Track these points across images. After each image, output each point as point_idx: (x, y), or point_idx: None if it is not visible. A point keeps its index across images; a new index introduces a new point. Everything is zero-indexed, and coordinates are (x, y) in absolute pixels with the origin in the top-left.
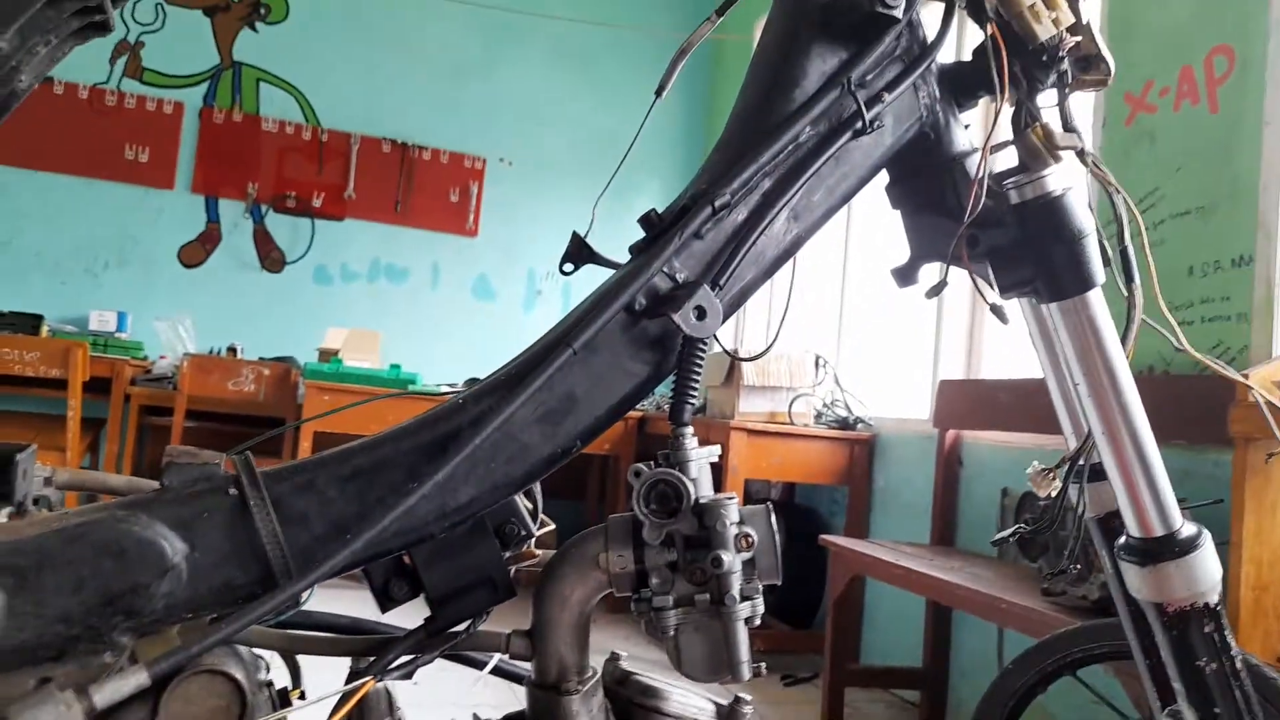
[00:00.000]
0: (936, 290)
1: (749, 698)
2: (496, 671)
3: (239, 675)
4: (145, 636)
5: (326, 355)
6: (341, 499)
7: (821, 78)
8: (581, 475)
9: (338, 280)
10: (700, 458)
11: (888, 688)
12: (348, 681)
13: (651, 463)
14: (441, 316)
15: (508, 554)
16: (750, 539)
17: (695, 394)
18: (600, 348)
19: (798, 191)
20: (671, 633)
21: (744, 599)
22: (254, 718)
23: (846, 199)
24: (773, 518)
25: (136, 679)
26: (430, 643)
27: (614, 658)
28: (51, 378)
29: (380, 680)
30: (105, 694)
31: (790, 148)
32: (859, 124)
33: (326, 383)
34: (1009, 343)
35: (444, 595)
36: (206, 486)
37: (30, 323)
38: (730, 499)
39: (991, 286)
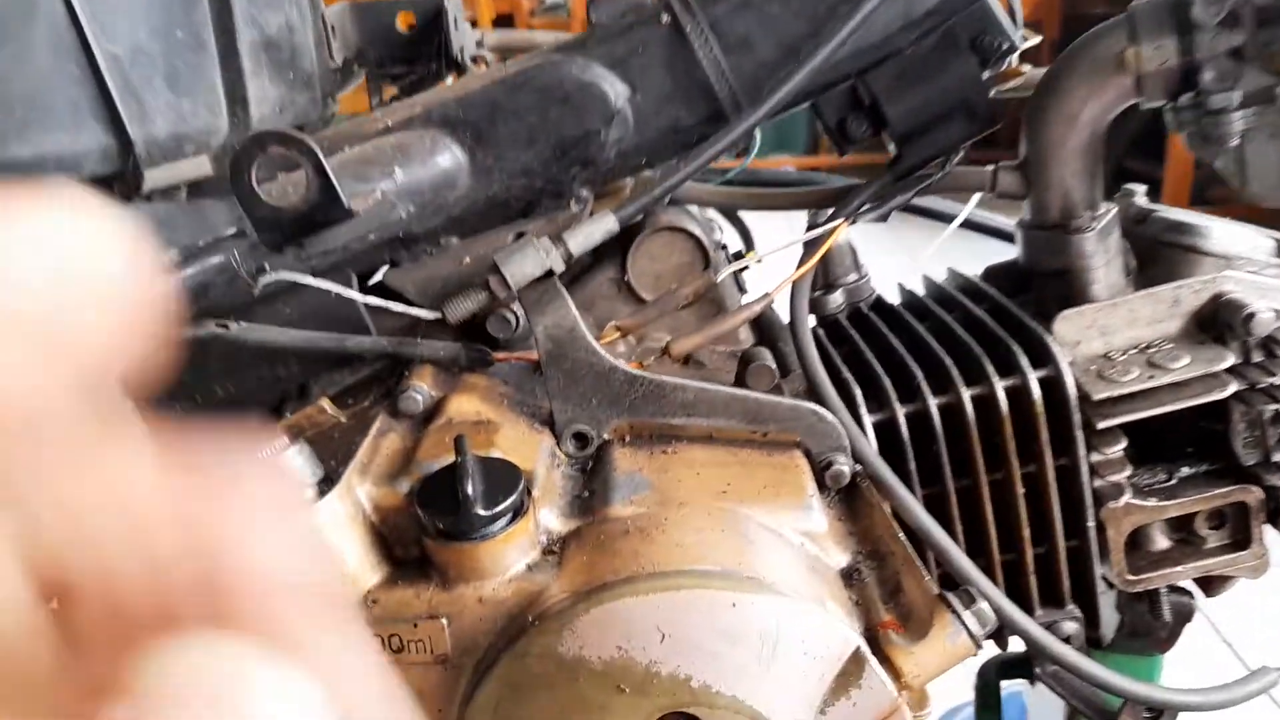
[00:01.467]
0: None
1: None
2: (970, 224)
3: (698, 232)
4: (601, 195)
5: None
6: (786, 14)
7: None
8: None
9: None
10: None
11: None
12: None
13: None
14: None
15: (986, 73)
16: None
17: None
18: None
19: None
20: (1235, 140)
21: None
22: (715, 272)
23: None
24: None
25: (605, 224)
26: (898, 187)
27: (1127, 193)
28: None
29: (850, 223)
30: (578, 239)
31: None
32: None
33: None
34: None
35: (911, 128)
36: (637, 17)
37: None
38: None
39: None
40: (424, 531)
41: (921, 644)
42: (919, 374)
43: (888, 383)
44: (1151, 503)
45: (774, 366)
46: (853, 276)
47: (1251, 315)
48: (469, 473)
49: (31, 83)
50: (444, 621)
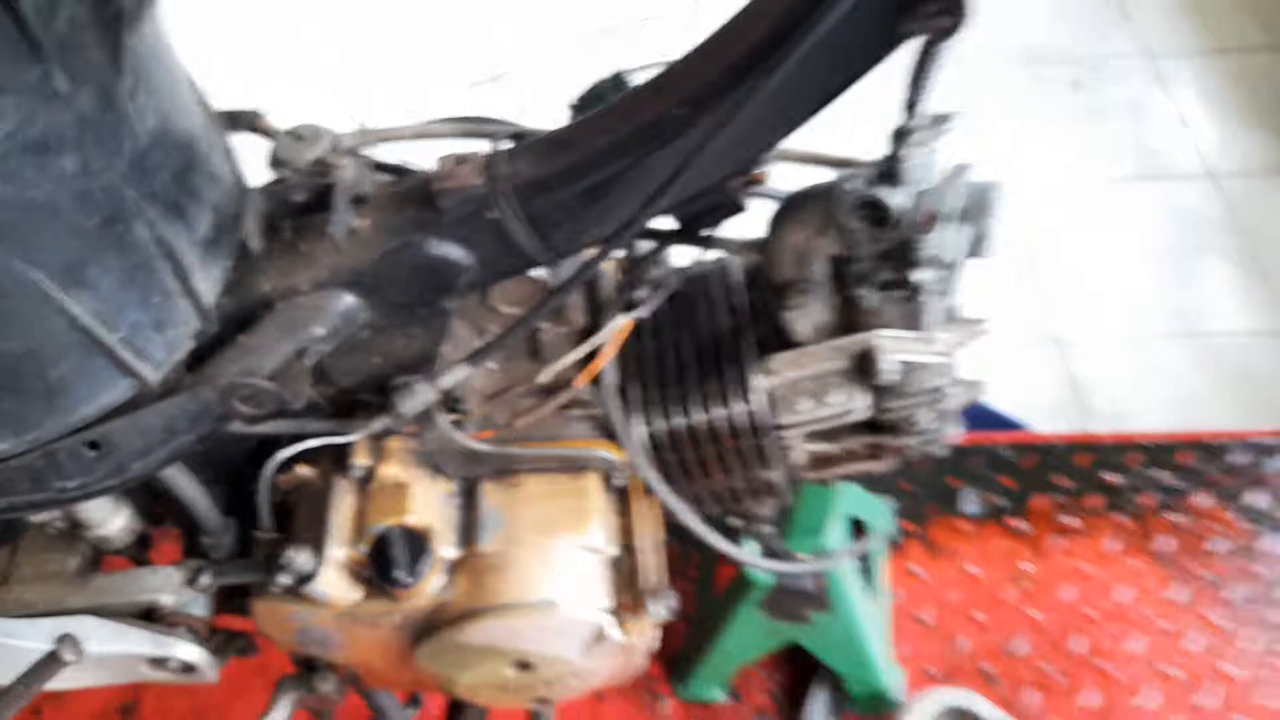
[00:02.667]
0: None
1: None
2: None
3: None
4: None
5: None
6: (581, 207)
7: None
8: None
9: None
10: None
11: None
12: None
13: None
14: None
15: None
16: None
17: None
18: None
19: None
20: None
21: None
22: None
23: None
24: None
25: (467, 370)
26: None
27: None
28: None
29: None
30: (448, 380)
31: None
32: None
33: None
34: None
35: (684, 218)
36: (473, 207)
37: None
38: None
39: None
40: (380, 582)
41: (635, 619)
42: (667, 400)
43: (657, 402)
44: (821, 447)
45: (597, 413)
46: (654, 274)
47: (879, 371)
48: (397, 556)
49: (41, 363)
50: (397, 618)
